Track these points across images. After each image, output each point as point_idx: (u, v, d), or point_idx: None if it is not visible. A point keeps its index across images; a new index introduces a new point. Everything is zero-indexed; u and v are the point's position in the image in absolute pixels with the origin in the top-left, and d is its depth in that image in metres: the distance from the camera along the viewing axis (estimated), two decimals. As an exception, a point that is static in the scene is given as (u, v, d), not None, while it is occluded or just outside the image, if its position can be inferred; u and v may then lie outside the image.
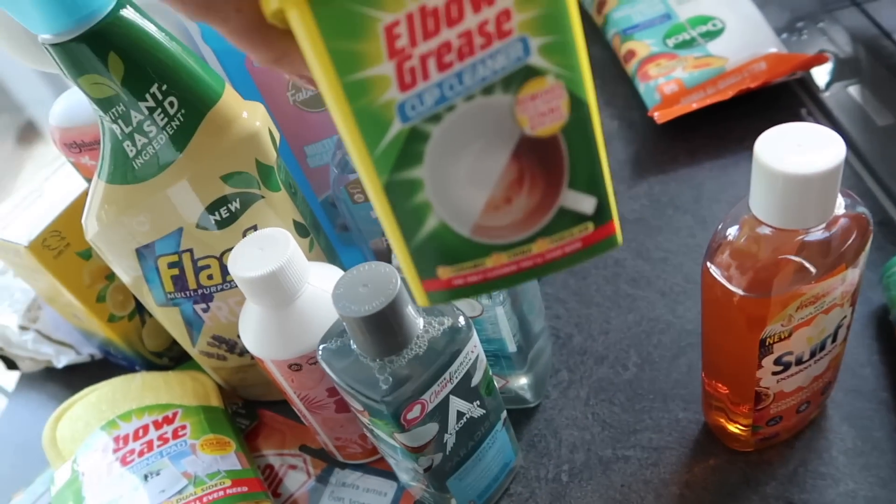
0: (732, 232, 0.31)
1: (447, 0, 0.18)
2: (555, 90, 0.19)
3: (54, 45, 0.33)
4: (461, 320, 0.33)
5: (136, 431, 0.44)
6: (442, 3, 0.18)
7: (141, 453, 0.43)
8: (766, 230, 0.30)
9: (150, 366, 0.55)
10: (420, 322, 0.33)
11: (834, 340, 0.34)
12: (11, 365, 0.60)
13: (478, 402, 0.36)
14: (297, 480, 0.46)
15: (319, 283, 0.38)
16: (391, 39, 0.18)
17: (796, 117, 0.58)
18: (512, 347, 0.40)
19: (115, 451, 0.43)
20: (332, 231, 0.53)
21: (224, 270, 0.42)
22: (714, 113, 0.58)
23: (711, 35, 0.63)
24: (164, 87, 0.36)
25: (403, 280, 0.32)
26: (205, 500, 0.40)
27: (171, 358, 0.56)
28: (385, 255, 0.50)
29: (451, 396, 0.34)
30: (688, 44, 0.63)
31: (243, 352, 0.47)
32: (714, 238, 0.32)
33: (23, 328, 0.57)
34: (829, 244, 0.30)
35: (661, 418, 0.42)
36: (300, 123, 0.46)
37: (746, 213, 0.31)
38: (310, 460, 0.47)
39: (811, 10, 0.66)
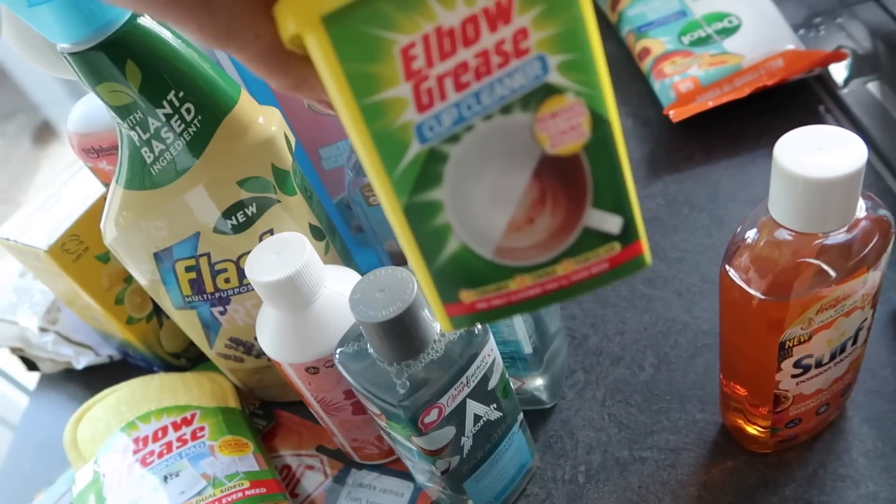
0: (751, 235, 0.31)
1: (463, 20, 0.18)
2: (575, 108, 0.19)
3: (72, 54, 0.33)
4: (478, 324, 0.33)
5: (156, 433, 0.45)
6: (458, 23, 0.18)
7: (160, 455, 0.43)
8: (786, 233, 0.30)
9: (168, 367, 0.55)
10: (437, 326, 0.33)
11: (854, 343, 0.34)
12: (32, 366, 0.61)
13: (495, 405, 0.36)
14: (314, 481, 0.46)
15: (336, 286, 0.38)
16: (407, 61, 0.18)
17: (814, 115, 0.57)
18: (528, 349, 0.40)
19: (136, 452, 0.44)
20: (347, 233, 0.53)
21: (241, 274, 0.42)
22: (730, 111, 0.58)
23: (727, 32, 0.62)
24: (181, 94, 0.36)
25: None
26: (224, 501, 0.40)
27: (189, 359, 0.56)
28: (400, 257, 0.51)
29: (468, 400, 0.34)
30: (703, 41, 0.62)
31: (260, 353, 0.47)
32: (732, 241, 0.32)
33: (43, 330, 0.58)
34: (850, 247, 0.30)
35: (678, 419, 0.42)
36: (315, 126, 0.46)
37: (765, 216, 0.30)
38: (327, 461, 0.47)
39: (829, 6, 0.65)
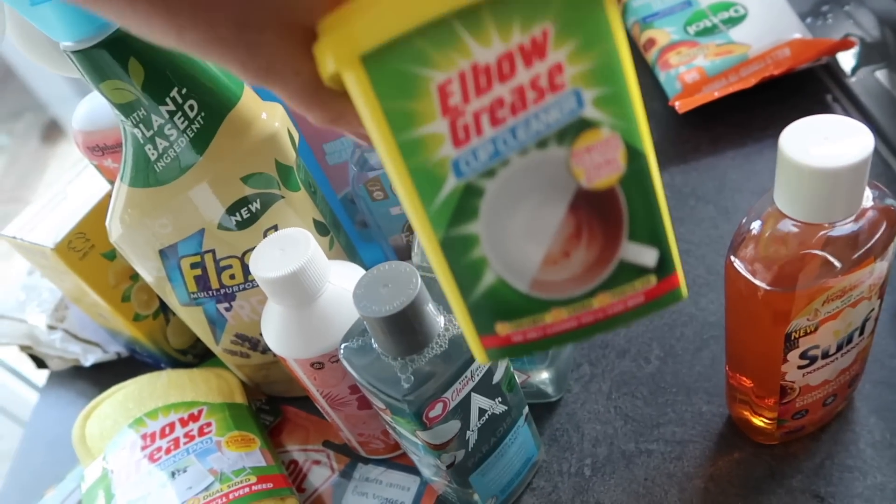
0: (756, 226, 0.31)
1: (498, 57, 0.18)
2: (610, 142, 0.19)
3: (75, 52, 0.33)
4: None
5: (163, 429, 0.45)
6: (493, 60, 0.18)
7: (168, 451, 0.43)
8: (791, 224, 0.30)
9: (175, 363, 0.56)
10: (441, 321, 0.33)
11: (861, 333, 0.34)
12: (41, 364, 0.61)
13: (499, 399, 0.36)
14: (321, 475, 0.46)
15: (340, 281, 0.38)
16: (444, 97, 0.18)
17: (821, 104, 0.57)
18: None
19: (143, 448, 0.44)
20: (352, 228, 0.53)
21: (246, 270, 0.42)
22: (737, 101, 0.57)
23: (733, 21, 0.62)
24: (184, 91, 0.36)
25: (424, 277, 0.32)
26: (231, 496, 0.40)
27: (196, 355, 0.57)
28: (405, 252, 0.51)
29: (472, 394, 0.34)
30: (709, 31, 0.62)
31: (266, 349, 0.47)
32: (738, 232, 0.32)
33: (51, 327, 0.58)
34: (857, 238, 0.29)
35: (684, 412, 0.42)
36: (318, 121, 0.46)
37: (771, 207, 0.30)
38: (333, 455, 0.47)
39: (836, -7, 0.64)
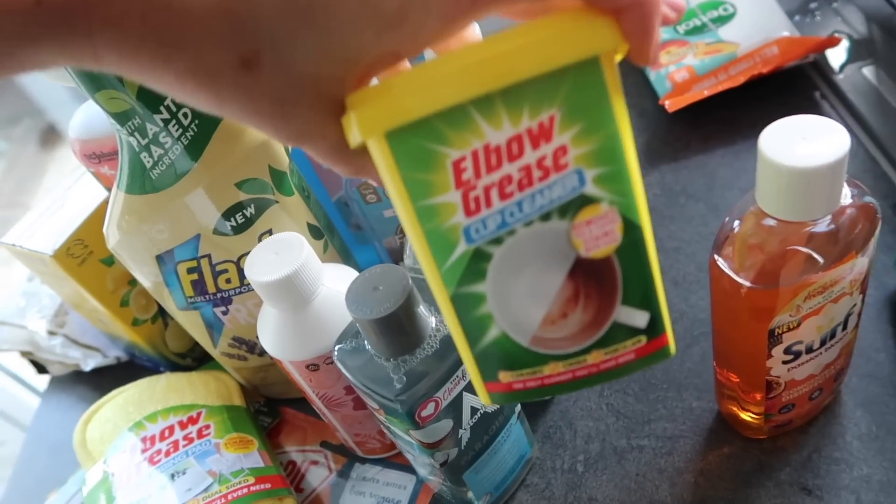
0: (739, 225, 0.32)
1: (509, 138, 0.20)
2: (609, 215, 0.21)
3: (69, 63, 0.34)
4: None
5: (163, 432, 0.45)
6: (504, 141, 0.20)
7: (167, 453, 0.44)
8: (772, 222, 0.30)
9: (174, 367, 0.56)
10: (433, 321, 0.34)
11: (844, 328, 0.34)
12: (41, 369, 0.62)
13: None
14: (318, 476, 0.47)
15: (334, 284, 0.39)
16: (458, 172, 0.20)
17: (810, 101, 0.57)
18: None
19: (143, 451, 0.45)
20: (346, 230, 0.54)
21: (241, 274, 0.43)
22: (726, 99, 0.58)
23: (722, 20, 0.62)
24: (177, 99, 0.36)
25: (415, 278, 0.33)
26: (229, 497, 0.41)
27: (195, 359, 0.57)
28: (398, 253, 0.51)
29: (464, 393, 0.34)
30: (699, 30, 0.62)
31: (263, 352, 0.48)
32: (721, 230, 0.33)
33: (51, 333, 0.59)
34: (836, 235, 0.30)
35: (674, 407, 0.43)
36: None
37: (752, 206, 0.31)
38: (331, 456, 0.48)
39: (823, -9, 0.65)
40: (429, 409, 0.33)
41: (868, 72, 0.57)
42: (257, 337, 0.41)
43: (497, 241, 0.21)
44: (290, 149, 0.42)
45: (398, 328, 0.32)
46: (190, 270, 0.43)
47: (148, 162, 0.38)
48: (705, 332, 0.46)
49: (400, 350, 0.33)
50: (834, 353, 0.35)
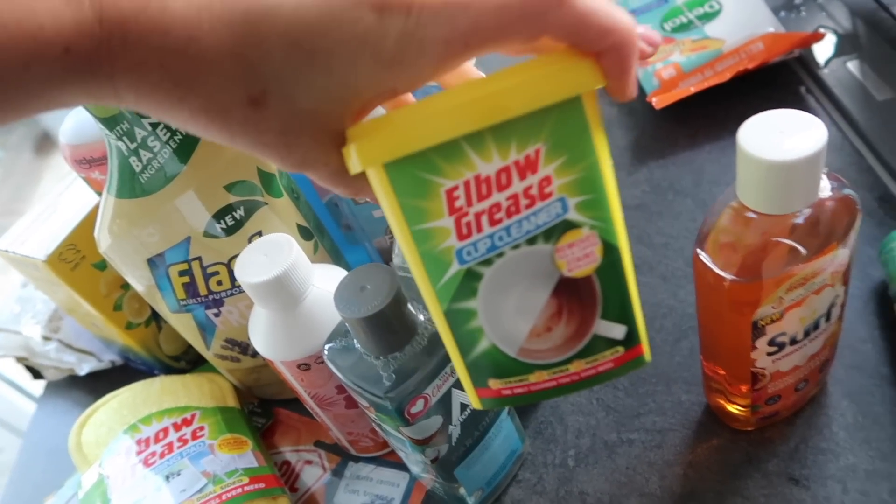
0: (720, 218, 0.32)
1: (498, 170, 0.21)
2: (589, 239, 0.23)
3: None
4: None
5: (157, 434, 0.46)
6: (493, 173, 0.22)
7: (162, 455, 0.44)
8: (753, 215, 0.31)
9: (168, 370, 0.57)
10: (421, 318, 0.34)
11: (828, 319, 0.35)
12: (37, 374, 0.62)
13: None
14: (313, 475, 0.47)
15: (324, 284, 0.39)
16: (451, 200, 0.22)
17: (795, 96, 0.58)
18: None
19: (138, 453, 0.45)
20: (337, 231, 0.54)
21: (233, 276, 0.43)
22: (713, 95, 0.58)
23: (708, 17, 0.63)
24: (164, 103, 0.37)
25: (402, 277, 0.33)
26: (224, 497, 0.41)
27: (188, 361, 0.58)
28: (388, 254, 0.52)
29: (453, 389, 0.35)
30: (685, 27, 0.63)
31: (256, 353, 0.48)
32: (703, 225, 0.33)
33: (46, 338, 0.59)
34: (816, 227, 0.31)
35: (664, 401, 0.43)
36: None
37: (733, 200, 0.31)
38: (325, 455, 0.48)
39: (808, -13, 0.65)
40: (418, 406, 0.33)
41: (852, 66, 0.58)
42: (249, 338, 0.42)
43: (487, 262, 0.23)
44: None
45: (386, 326, 0.32)
46: (181, 273, 0.43)
47: (137, 166, 0.39)
48: (693, 326, 0.46)
49: (388, 348, 0.33)
50: (818, 344, 0.36)
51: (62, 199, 0.53)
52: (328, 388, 0.41)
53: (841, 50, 0.59)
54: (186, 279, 0.43)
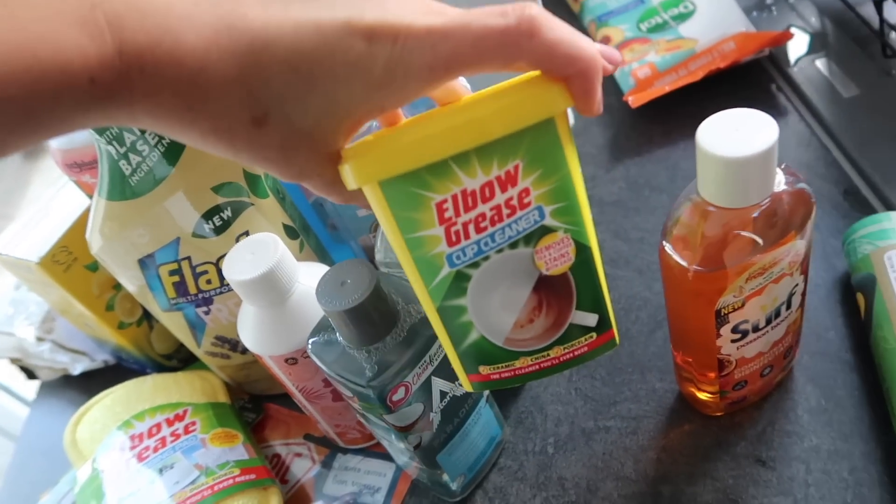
0: (682, 213, 0.34)
1: (482, 184, 0.24)
2: (564, 241, 0.26)
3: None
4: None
5: (150, 429, 0.47)
6: (478, 187, 0.24)
7: (155, 449, 0.46)
8: (712, 209, 0.32)
9: (161, 368, 0.58)
10: (400, 311, 0.36)
11: (788, 307, 0.36)
12: (31, 375, 0.63)
13: (459, 382, 0.38)
14: (302, 467, 0.49)
15: (309, 281, 0.41)
16: (441, 212, 0.25)
17: (766, 93, 0.60)
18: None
19: (132, 448, 0.46)
20: (323, 230, 0.56)
21: (221, 275, 0.45)
22: (687, 93, 0.60)
23: (683, 17, 0.65)
24: (152, 109, 0.38)
25: (385, 273, 0.34)
26: (216, 488, 0.43)
27: (180, 360, 0.59)
28: (373, 251, 0.53)
29: (433, 377, 0.36)
30: (660, 27, 0.65)
31: (245, 350, 0.49)
32: (668, 219, 0.35)
33: (39, 339, 0.60)
34: (772, 219, 0.32)
35: (639, 389, 0.45)
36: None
37: (694, 195, 0.33)
38: (314, 447, 0.50)
39: (778, -13, 0.67)
40: (399, 394, 0.35)
41: (820, 64, 0.59)
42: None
43: (475, 264, 0.26)
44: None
45: (366, 318, 0.34)
46: (171, 273, 0.44)
47: (127, 169, 0.40)
48: (667, 317, 0.48)
49: (369, 339, 0.35)
50: (781, 331, 0.37)
51: (54, 203, 0.54)
52: (315, 382, 0.42)
53: (810, 48, 0.61)
54: (176, 279, 0.45)
